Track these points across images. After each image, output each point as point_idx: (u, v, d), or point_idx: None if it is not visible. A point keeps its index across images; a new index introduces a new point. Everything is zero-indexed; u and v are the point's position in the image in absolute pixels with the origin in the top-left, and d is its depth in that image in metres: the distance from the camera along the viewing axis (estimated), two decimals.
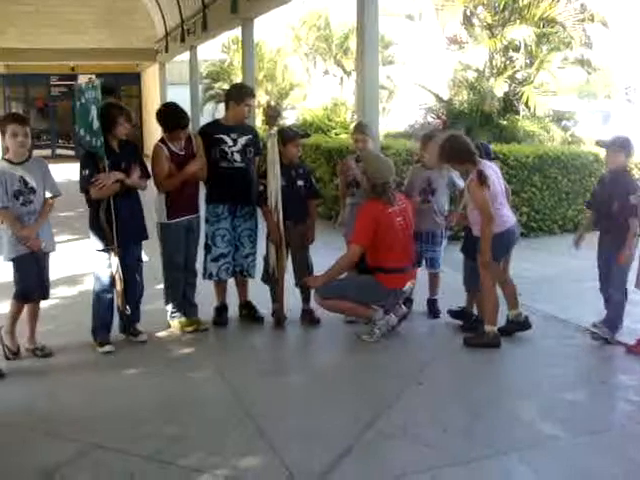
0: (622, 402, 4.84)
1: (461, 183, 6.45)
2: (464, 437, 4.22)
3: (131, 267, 5.70)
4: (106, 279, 5.61)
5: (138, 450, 4.05)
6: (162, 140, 5.89)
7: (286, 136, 6.13)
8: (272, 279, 6.23)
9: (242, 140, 6.11)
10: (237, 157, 6.08)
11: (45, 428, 4.36)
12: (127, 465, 3.91)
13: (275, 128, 6.06)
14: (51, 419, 4.49)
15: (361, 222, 5.79)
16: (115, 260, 5.53)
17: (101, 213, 5.45)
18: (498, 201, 5.64)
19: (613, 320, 5.78)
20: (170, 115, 5.88)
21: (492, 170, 5.72)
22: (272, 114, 6.14)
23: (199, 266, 6.21)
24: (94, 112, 5.39)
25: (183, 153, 5.87)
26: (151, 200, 6.02)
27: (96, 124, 5.38)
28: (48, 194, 5.41)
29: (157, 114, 5.92)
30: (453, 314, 6.31)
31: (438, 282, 6.59)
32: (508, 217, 5.76)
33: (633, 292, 5.78)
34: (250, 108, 6.23)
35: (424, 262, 6.47)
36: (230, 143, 6.06)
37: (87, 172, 5.42)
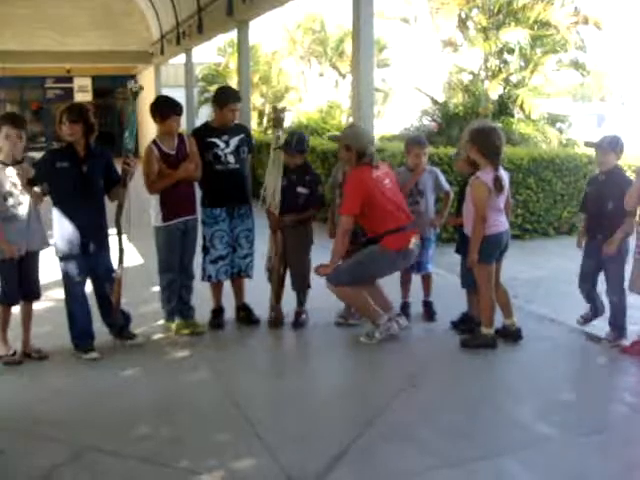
0: (617, 403, 4.85)
1: (447, 185, 6.46)
2: (460, 438, 4.23)
3: (100, 277, 5.59)
4: (70, 285, 5.51)
5: (134, 452, 4.05)
6: (154, 141, 5.85)
7: (296, 146, 6.02)
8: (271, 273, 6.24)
9: (234, 141, 6.10)
10: (231, 158, 6.07)
11: (40, 431, 4.35)
12: (123, 467, 3.92)
13: (281, 130, 6.05)
14: (46, 422, 4.48)
15: (349, 191, 5.72)
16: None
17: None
18: (495, 208, 5.65)
19: (620, 323, 5.79)
20: (162, 103, 5.93)
21: (504, 180, 5.74)
22: (279, 116, 6.20)
23: (197, 268, 6.20)
24: (134, 117, 5.68)
25: (174, 153, 5.81)
26: (136, 204, 5.78)
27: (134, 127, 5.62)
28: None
29: (150, 106, 5.90)
30: (456, 325, 6.19)
31: (430, 283, 6.57)
32: (501, 222, 5.75)
33: (628, 295, 5.79)
34: (234, 113, 6.13)
35: (412, 266, 6.33)
36: (222, 146, 6.04)
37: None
